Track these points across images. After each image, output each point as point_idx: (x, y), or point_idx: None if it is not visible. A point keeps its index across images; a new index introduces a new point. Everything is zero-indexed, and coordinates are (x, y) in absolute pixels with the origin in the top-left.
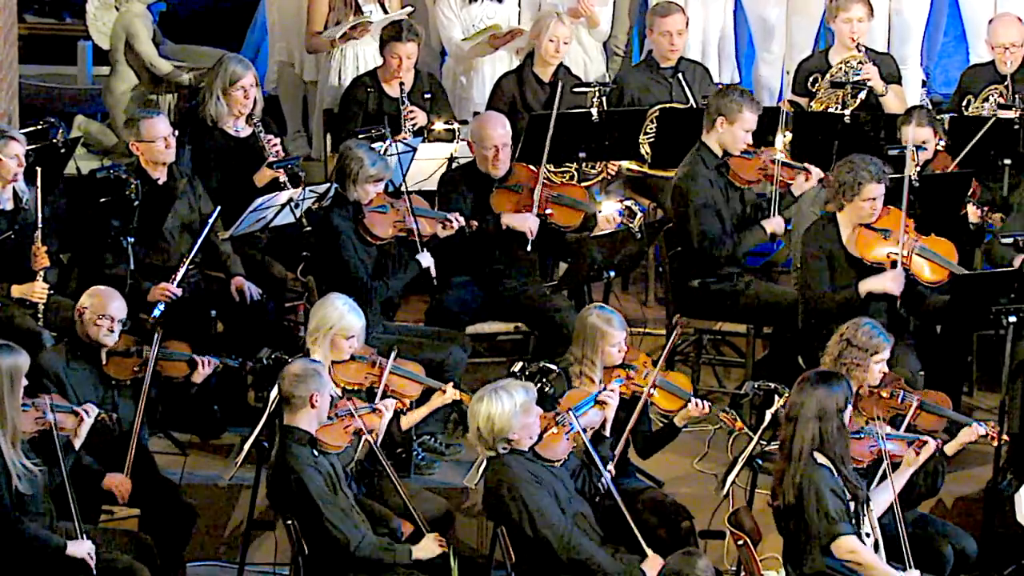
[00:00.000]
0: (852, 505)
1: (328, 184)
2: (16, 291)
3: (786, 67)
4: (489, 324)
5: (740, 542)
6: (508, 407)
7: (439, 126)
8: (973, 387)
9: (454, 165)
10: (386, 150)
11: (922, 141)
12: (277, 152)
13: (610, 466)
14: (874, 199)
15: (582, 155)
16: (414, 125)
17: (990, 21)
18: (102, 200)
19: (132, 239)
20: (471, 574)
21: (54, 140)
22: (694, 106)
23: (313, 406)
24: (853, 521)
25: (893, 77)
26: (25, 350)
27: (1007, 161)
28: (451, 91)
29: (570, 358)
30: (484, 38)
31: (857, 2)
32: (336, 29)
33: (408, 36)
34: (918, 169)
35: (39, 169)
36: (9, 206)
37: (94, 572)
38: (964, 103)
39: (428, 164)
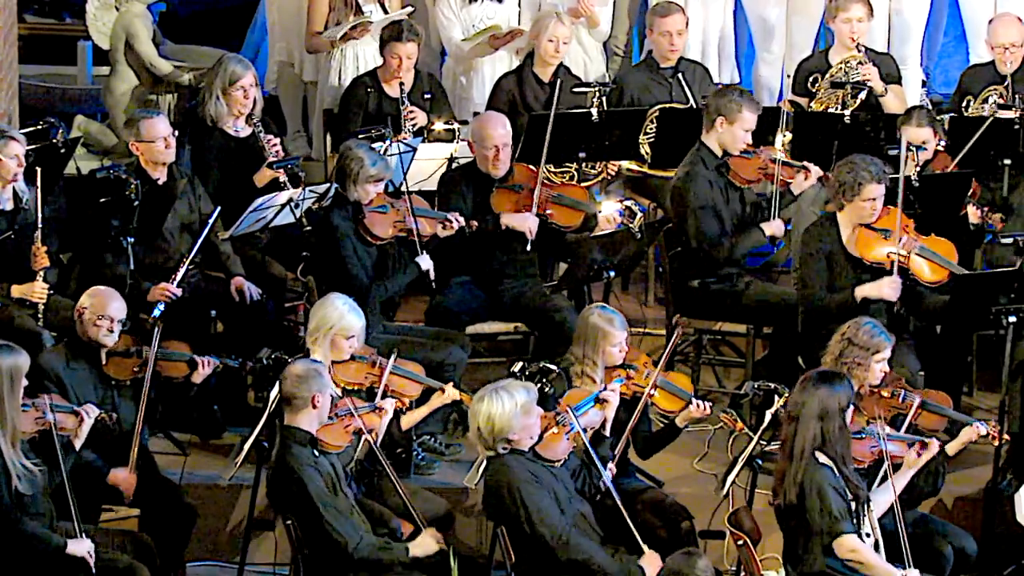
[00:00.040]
0: (853, 505)
1: (328, 184)
2: (16, 291)
3: (787, 70)
4: (489, 324)
5: (740, 542)
6: (509, 407)
7: (439, 126)
8: (973, 387)
9: (454, 165)
10: (386, 150)
11: (922, 141)
12: (277, 152)
13: (611, 464)
14: (874, 199)
15: (582, 155)
16: (414, 125)
17: (990, 21)
18: (102, 200)
19: (132, 239)
20: (471, 574)
21: (54, 140)
22: (694, 106)
23: (315, 407)
24: (854, 521)
25: (893, 77)
26: (25, 350)
27: (1007, 161)
28: (451, 91)
29: (571, 358)
30: (484, 38)
31: (857, 2)
32: (336, 29)
33: (408, 36)
34: (918, 169)
35: (39, 169)
36: (9, 206)
37: (93, 571)
38: (964, 104)
39: (428, 164)
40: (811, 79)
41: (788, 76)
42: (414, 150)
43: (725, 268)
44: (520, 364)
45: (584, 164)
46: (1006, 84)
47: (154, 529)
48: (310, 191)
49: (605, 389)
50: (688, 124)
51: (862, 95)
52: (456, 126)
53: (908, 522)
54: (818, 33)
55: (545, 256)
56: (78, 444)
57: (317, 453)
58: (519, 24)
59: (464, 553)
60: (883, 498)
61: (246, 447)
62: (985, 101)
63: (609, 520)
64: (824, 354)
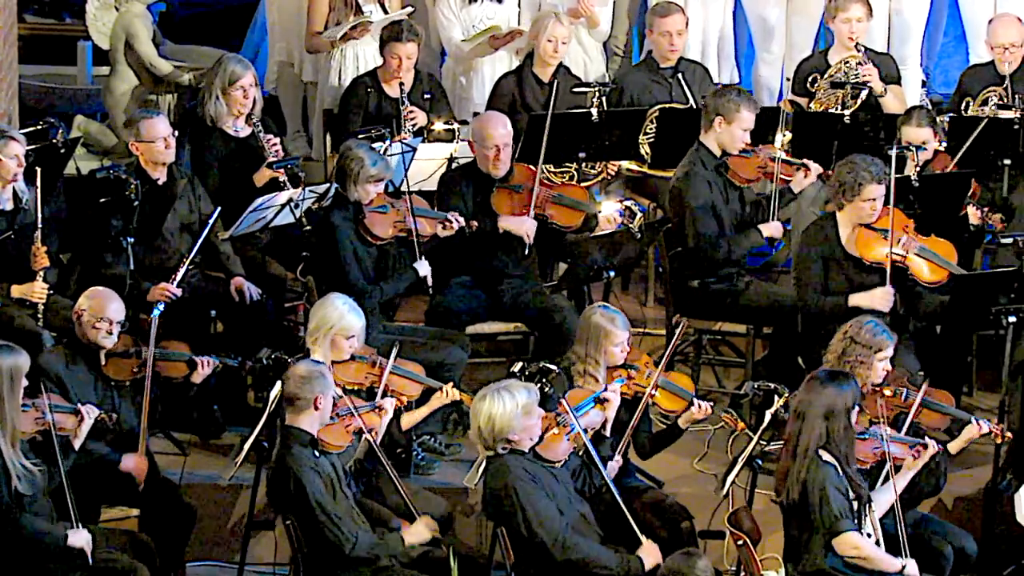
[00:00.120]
0: (855, 504)
1: (328, 184)
2: (16, 291)
3: (786, 69)
4: (489, 324)
5: (740, 542)
6: (510, 408)
7: (439, 126)
8: (973, 387)
9: (454, 165)
10: (386, 150)
11: (922, 141)
12: (277, 152)
13: (618, 456)
14: (874, 200)
15: (582, 155)
16: (414, 125)
17: (990, 21)
18: (102, 200)
19: (132, 239)
20: (471, 574)
21: (54, 140)
22: (694, 106)
23: (316, 408)
24: (855, 520)
25: (892, 77)
26: (25, 350)
27: (1007, 161)
28: (451, 91)
29: (572, 357)
30: (484, 39)
31: (856, 2)
32: (336, 29)
33: (408, 36)
34: (918, 169)
35: (39, 169)
36: (9, 206)
37: (91, 562)
38: (964, 104)
39: (428, 164)
40: (811, 79)
41: (788, 79)
42: (414, 150)
43: (725, 268)
44: (520, 364)
45: (584, 164)
46: (1005, 86)
47: (154, 529)
48: (310, 191)
49: (606, 390)
50: (688, 124)
51: (862, 95)
52: (456, 126)
53: (908, 522)
54: (818, 33)
55: (545, 256)
56: (77, 444)
57: (317, 454)
58: (519, 24)
59: (464, 553)
60: (884, 498)
61: (246, 447)
62: (984, 103)
63: (609, 520)
64: (826, 353)
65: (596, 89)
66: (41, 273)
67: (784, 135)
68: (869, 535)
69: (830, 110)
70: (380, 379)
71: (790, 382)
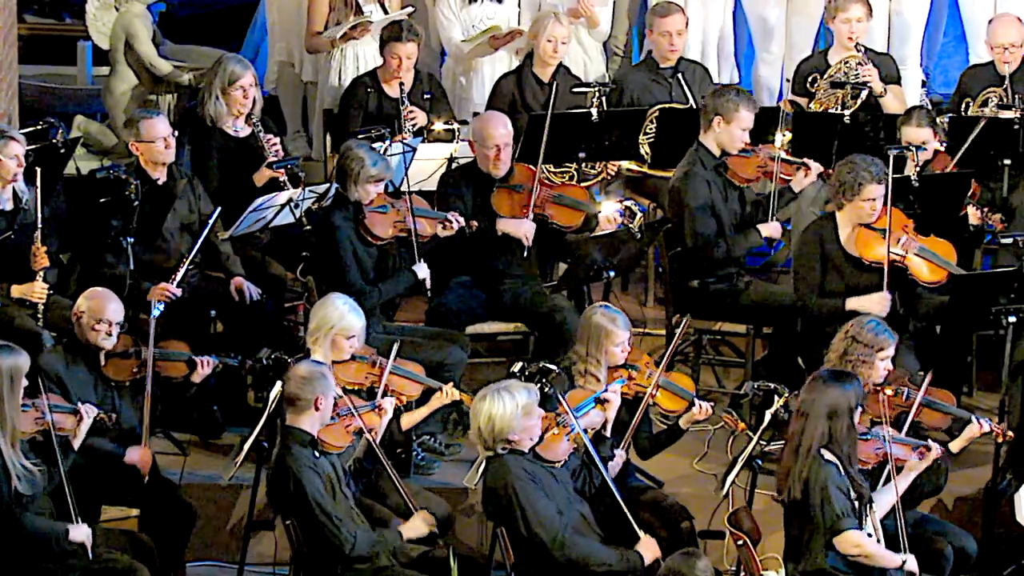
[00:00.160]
0: (856, 504)
1: (328, 184)
2: (16, 291)
3: (786, 72)
4: (489, 324)
5: (740, 542)
6: (510, 408)
7: (439, 126)
8: (973, 387)
9: (454, 165)
10: (386, 150)
11: (922, 141)
12: (277, 152)
13: (620, 450)
14: (874, 199)
15: (582, 155)
16: (414, 125)
17: (990, 21)
18: (102, 200)
19: (132, 239)
20: (471, 574)
21: (54, 140)
22: (694, 106)
23: (317, 409)
24: (857, 518)
25: (892, 77)
26: (25, 350)
27: (1007, 161)
28: (451, 91)
29: (573, 357)
30: (484, 39)
31: (856, 2)
32: (336, 29)
33: (408, 36)
34: (918, 169)
35: (39, 169)
36: (9, 206)
37: (91, 556)
38: (964, 105)
39: (428, 164)
40: (811, 79)
41: (787, 81)
42: (414, 150)
43: (724, 268)
44: (520, 364)
45: (584, 164)
46: (1004, 88)
47: (154, 529)
48: (310, 191)
49: (607, 390)
50: (688, 124)
51: (862, 95)
52: (456, 126)
53: (908, 522)
54: (818, 33)
55: (545, 256)
56: (77, 444)
57: (317, 454)
58: (519, 24)
59: (464, 553)
60: (885, 499)
61: (246, 447)
62: (984, 104)
63: (609, 520)
64: (828, 352)
65: (596, 89)
66: (41, 273)
67: (784, 135)
68: (870, 535)
69: (830, 110)
70: (380, 379)
71: (790, 382)
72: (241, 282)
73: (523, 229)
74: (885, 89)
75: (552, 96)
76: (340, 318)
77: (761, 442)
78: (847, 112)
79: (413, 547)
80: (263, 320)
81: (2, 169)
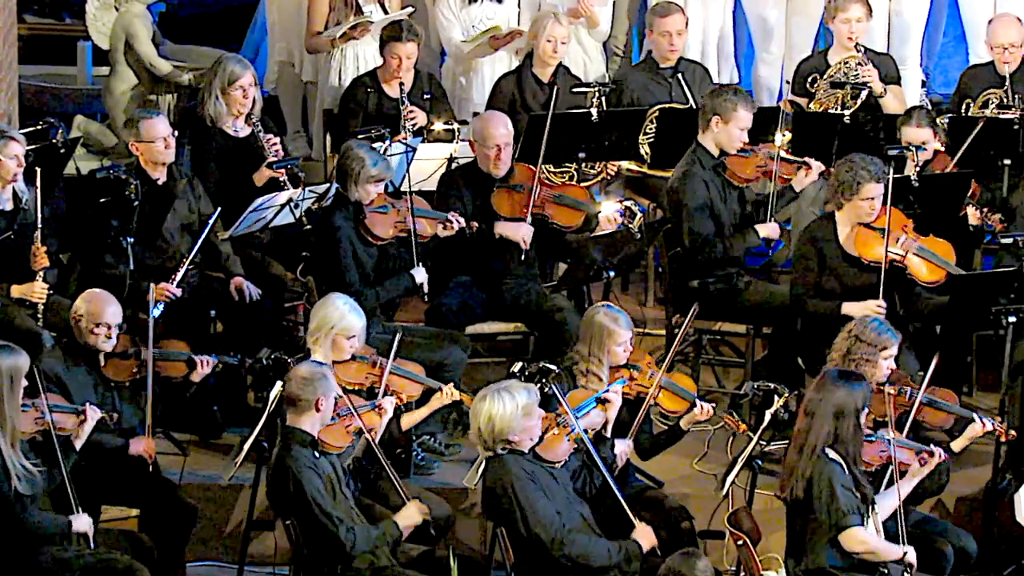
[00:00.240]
0: (860, 504)
1: (328, 184)
2: (16, 291)
3: (786, 73)
4: (489, 324)
5: (739, 542)
6: (510, 408)
7: (439, 126)
8: (973, 387)
9: (454, 165)
10: (386, 150)
11: (921, 141)
12: (277, 152)
13: (629, 440)
14: (873, 199)
15: (582, 155)
16: (414, 125)
17: (989, 21)
18: (102, 200)
19: (132, 239)
20: (471, 574)
21: (54, 140)
22: (694, 106)
23: (318, 410)
24: (862, 516)
25: (892, 78)
26: (25, 350)
27: (1007, 161)
28: (451, 91)
29: (575, 357)
30: (484, 39)
31: (855, 2)
32: (336, 29)
33: (408, 36)
34: (918, 169)
35: (39, 169)
36: (9, 206)
37: (92, 545)
38: (964, 106)
39: (428, 164)
40: (810, 79)
41: (787, 82)
42: (414, 150)
43: (723, 268)
44: (520, 364)
45: (584, 164)
46: (1005, 88)
47: (154, 529)
48: (310, 191)
49: (607, 391)
50: (688, 124)
51: (862, 95)
52: (456, 126)
53: (909, 522)
54: (818, 33)
55: (545, 256)
56: (78, 444)
57: (317, 455)
58: (519, 25)
59: (464, 553)
60: (887, 502)
61: (246, 447)
62: (984, 105)
63: (610, 521)
64: (830, 351)
65: (596, 89)
66: (41, 273)
67: (784, 135)
68: None
69: (830, 110)
70: (380, 379)
71: (790, 382)
72: (241, 282)
73: (521, 233)
74: (885, 89)
75: (554, 98)
76: (341, 318)
77: (761, 442)
78: (847, 112)
79: (413, 547)
80: (263, 320)
81: (2, 169)
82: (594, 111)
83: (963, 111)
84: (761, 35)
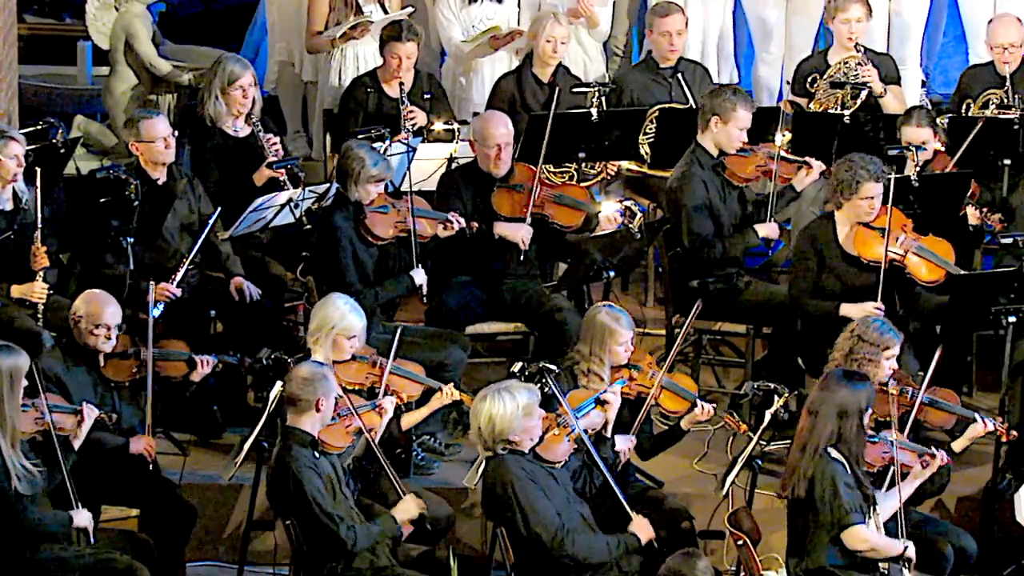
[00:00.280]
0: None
1: (328, 184)
2: (16, 291)
3: (786, 73)
4: (489, 324)
5: (739, 542)
6: (510, 408)
7: (439, 126)
8: (973, 387)
9: (454, 165)
10: (386, 150)
11: (921, 141)
12: (276, 151)
13: (631, 437)
14: (872, 198)
15: (582, 155)
16: (414, 125)
17: (990, 21)
18: (102, 200)
19: (132, 239)
20: (471, 574)
21: (54, 140)
22: (694, 106)
23: (318, 410)
24: (864, 514)
25: (892, 78)
26: (25, 350)
27: (1007, 161)
28: (451, 91)
29: (576, 356)
30: (484, 39)
31: (855, 3)
32: (336, 29)
33: (408, 36)
34: (917, 169)
35: (39, 169)
36: (9, 206)
37: (92, 540)
38: (964, 107)
39: (428, 164)
40: (810, 79)
41: (787, 82)
42: (414, 150)
43: (721, 268)
44: (520, 364)
45: (584, 164)
46: (1005, 89)
47: (154, 529)
48: (310, 191)
49: (607, 391)
50: (687, 124)
51: (862, 95)
52: (456, 126)
53: (909, 522)
54: (817, 33)
55: (545, 256)
56: (77, 444)
57: (317, 455)
58: (519, 24)
59: (464, 553)
60: (888, 503)
61: (246, 447)
62: (985, 105)
63: (609, 520)
64: (832, 351)
65: (596, 89)
66: (41, 273)
67: (784, 135)
68: None
69: (830, 110)
70: (381, 379)
71: (790, 382)
72: (241, 282)
73: (520, 234)
74: (885, 89)
75: (555, 99)
76: (341, 318)
77: (761, 442)
78: (847, 112)
79: (413, 547)
80: (263, 320)
81: (2, 169)
82: (594, 111)
83: (963, 111)
84: (761, 35)
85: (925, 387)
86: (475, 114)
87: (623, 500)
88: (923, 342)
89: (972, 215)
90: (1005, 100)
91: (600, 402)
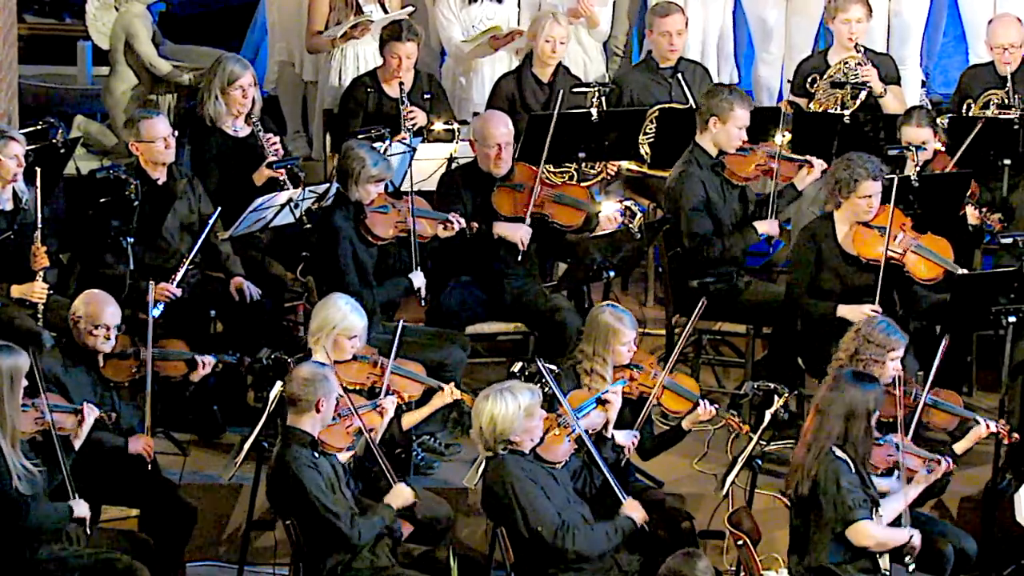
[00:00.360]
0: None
1: (328, 184)
2: (16, 291)
3: (786, 73)
4: (489, 324)
5: (739, 542)
6: (512, 409)
7: (439, 126)
8: (973, 387)
9: (454, 165)
10: (386, 150)
11: (921, 141)
12: (276, 151)
13: (634, 432)
14: (870, 196)
15: (582, 155)
16: (414, 125)
17: (990, 21)
18: (102, 200)
19: (132, 239)
20: (471, 574)
21: (54, 140)
22: (694, 106)
23: (318, 411)
24: (870, 510)
25: (892, 78)
26: (25, 350)
27: (1007, 161)
28: (450, 91)
29: (579, 356)
30: (485, 39)
31: (855, 3)
32: (336, 29)
33: (408, 36)
34: (917, 169)
35: (39, 169)
36: (9, 206)
37: (89, 533)
38: (965, 107)
39: (428, 164)
40: (810, 79)
41: (788, 81)
42: (414, 150)
43: (722, 267)
44: (520, 364)
45: (584, 164)
46: (1006, 89)
47: (154, 529)
48: (310, 191)
49: (607, 391)
50: (687, 124)
51: (862, 96)
52: (456, 126)
53: (909, 522)
54: (817, 33)
55: (545, 256)
56: (78, 444)
57: (317, 455)
58: (519, 24)
59: (464, 553)
60: (891, 507)
61: (246, 447)
62: (985, 106)
63: (609, 519)
64: (837, 351)
65: (596, 89)
66: (41, 273)
67: (784, 136)
68: None
69: (830, 110)
70: (381, 379)
71: (790, 382)
72: (241, 282)
73: (519, 234)
74: (885, 89)
75: (558, 100)
76: (343, 318)
77: (761, 442)
78: (847, 112)
79: (413, 547)
80: (263, 320)
81: (2, 169)
82: (594, 111)
83: (963, 111)
84: (761, 35)
85: (929, 386)
86: (475, 114)
87: (615, 484)
88: (923, 342)
89: (972, 215)
90: (1006, 100)
91: (601, 402)
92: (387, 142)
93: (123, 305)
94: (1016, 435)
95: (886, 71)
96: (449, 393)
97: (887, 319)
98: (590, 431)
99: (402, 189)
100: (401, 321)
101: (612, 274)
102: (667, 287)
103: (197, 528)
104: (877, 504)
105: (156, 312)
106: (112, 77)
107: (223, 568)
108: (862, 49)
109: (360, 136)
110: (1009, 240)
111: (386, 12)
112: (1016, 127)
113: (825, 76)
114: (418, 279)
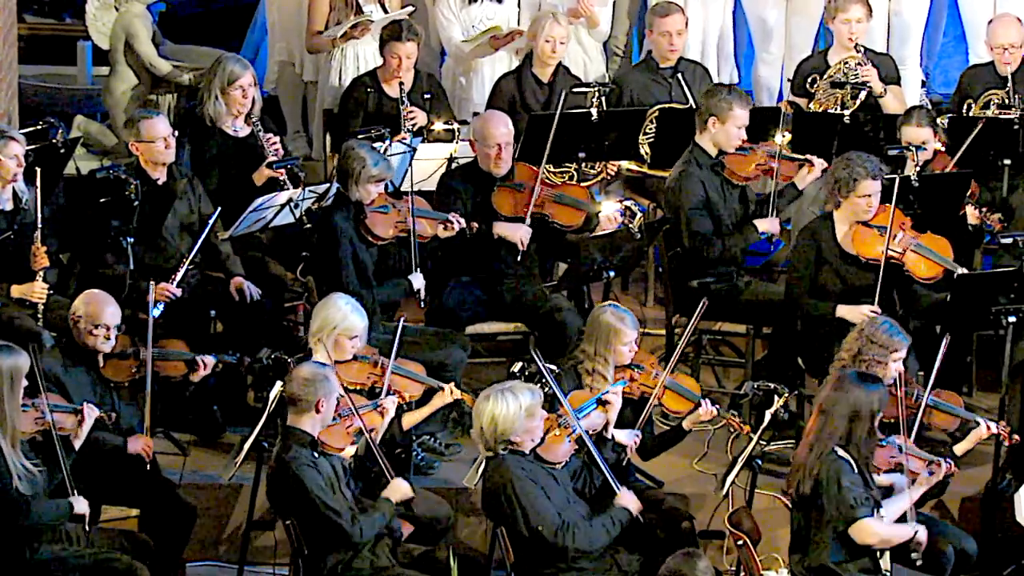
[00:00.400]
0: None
1: (328, 184)
2: (16, 291)
3: (786, 73)
4: (489, 324)
5: (739, 542)
6: (513, 409)
7: (439, 126)
8: (973, 387)
9: (454, 165)
10: (386, 150)
11: (922, 141)
12: (276, 151)
13: (635, 432)
14: (869, 196)
15: (582, 155)
16: (414, 125)
17: (990, 22)
18: (102, 200)
19: (132, 239)
20: (471, 574)
21: (54, 140)
22: (694, 106)
23: (319, 411)
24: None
25: (892, 78)
26: (25, 350)
27: (1007, 161)
28: (450, 91)
29: (580, 356)
30: (485, 39)
31: (856, 3)
32: (336, 29)
33: (408, 36)
34: (918, 169)
35: (39, 169)
36: (9, 206)
37: (87, 529)
38: (965, 107)
39: (428, 164)
40: (810, 79)
41: (788, 80)
42: (414, 150)
43: (722, 266)
44: (520, 364)
45: (584, 164)
46: (1007, 89)
47: (154, 529)
48: (310, 191)
49: (607, 391)
50: (687, 124)
51: (861, 96)
52: (456, 126)
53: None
54: (817, 33)
55: (545, 256)
56: (78, 444)
57: (317, 455)
58: (519, 25)
59: (464, 553)
60: (894, 508)
61: (246, 447)
62: (986, 106)
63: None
64: (840, 351)
65: (596, 89)
66: (41, 273)
67: (784, 136)
68: None
69: (830, 110)
70: (382, 379)
71: (790, 382)
72: (241, 282)
73: (519, 234)
74: (885, 89)
75: (560, 101)
76: (343, 318)
77: (761, 442)
78: (847, 112)
79: (413, 547)
80: (263, 320)
81: (2, 169)
82: (594, 111)
83: (963, 111)
84: (761, 35)
85: (930, 388)
86: (475, 114)
87: (610, 478)
88: (923, 342)
89: (972, 215)
90: (1006, 100)
91: (601, 403)
92: (387, 142)
93: (123, 305)
94: (1016, 436)
95: (886, 71)
96: (449, 393)
97: (890, 320)
98: (590, 431)
99: (402, 189)
100: (401, 321)
101: (612, 274)
102: (667, 287)
103: (197, 528)
104: (879, 505)
105: (156, 312)
106: (112, 77)
107: (223, 568)
108: (862, 49)
109: (360, 136)
110: (1009, 240)
111: (386, 12)
112: (1016, 127)
113: (825, 76)
114: (418, 281)
